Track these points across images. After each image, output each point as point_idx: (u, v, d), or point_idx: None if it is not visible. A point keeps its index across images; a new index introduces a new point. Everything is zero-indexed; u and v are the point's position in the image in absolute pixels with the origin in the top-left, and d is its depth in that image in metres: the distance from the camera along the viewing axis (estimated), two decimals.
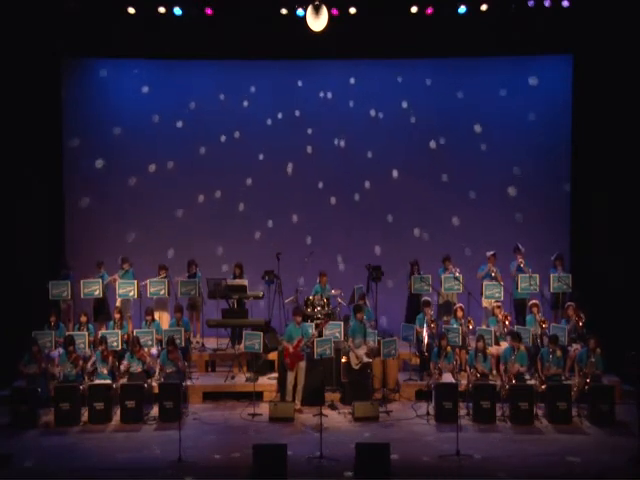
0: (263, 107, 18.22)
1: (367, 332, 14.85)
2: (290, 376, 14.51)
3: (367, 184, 18.27)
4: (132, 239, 18.04)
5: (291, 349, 14.49)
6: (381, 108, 18.20)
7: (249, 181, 18.25)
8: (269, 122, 18.23)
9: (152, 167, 18.16)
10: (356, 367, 14.63)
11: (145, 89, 18.20)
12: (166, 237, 17.99)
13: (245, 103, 18.18)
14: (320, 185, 18.30)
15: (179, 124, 18.14)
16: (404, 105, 18.17)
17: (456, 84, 18.03)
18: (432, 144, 18.18)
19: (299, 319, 14.69)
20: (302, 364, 14.53)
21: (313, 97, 18.25)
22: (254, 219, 18.25)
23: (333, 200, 18.31)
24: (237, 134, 18.22)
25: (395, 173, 18.24)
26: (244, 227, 18.23)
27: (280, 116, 18.25)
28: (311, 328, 14.95)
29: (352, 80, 18.22)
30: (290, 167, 18.29)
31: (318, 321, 15.52)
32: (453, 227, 18.07)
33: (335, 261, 18.06)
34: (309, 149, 18.29)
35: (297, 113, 18.26)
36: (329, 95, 18.26)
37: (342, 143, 18.21)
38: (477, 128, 18.07)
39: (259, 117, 18.22)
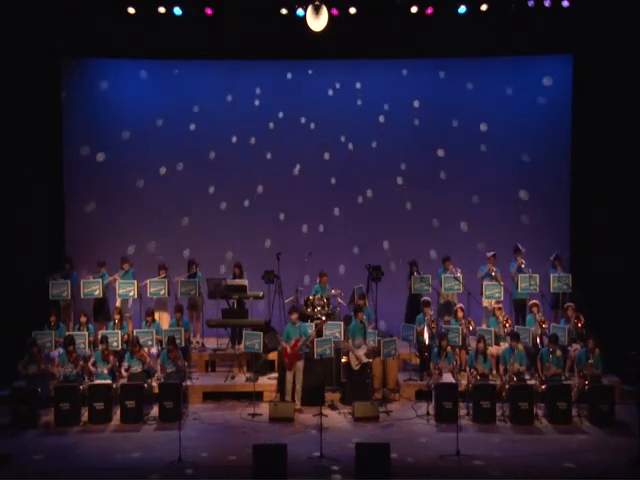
0: (264, 107, 18.22)
1: (367, 332, 14.84)
2: (289, 376, 14.51)
3: (367, 184, 18.28)
4: (132, 239, 18.03)
5: (289, 349, 14.49)
6: (381, 108, 18.20)
7: (249, 181, 18.25)
8: (270, 122, 18.22)
9: (152, 167, 18.16)
10: (356, 368, 14.63)
11: (145, 89, 18.20)
12: (166, 236, 18.00)
13: (246, 103, 18.19)
14: (319, 185, 18.29)
15: (179, 124, 18.13)
16: (404, 105, 18.16)
17: (456, 84, 18.03)
18: (432, 144, 18.18)
19: (294, 317, 14.68)
20: (300, 364, 14.53)
21: (313, 97, 18.24)
22: (255, 219, 18.24)
23: (334, 199, 18.31)
24: (238, 134, 18.23)
25: (396, 173, 18.23)
26: (244, 227, 18.22)
27: (281, 116, 18.25)
28: (310, 328, 14.93)
29: (352, 80, 18.21)
30: (289, 167, 18.28)
31: (318, 321, 15.52)
32: (453, 227, 18.05)
33: (335, 261, 18.06)
34: (309, 149, 18.28)
35: (298, 113, 18.25)
36: (329, 95, 18.25)
37: (344, 141, 18.20)
38: (477, 128, 18.05)
39: (260, 117, 18.22)
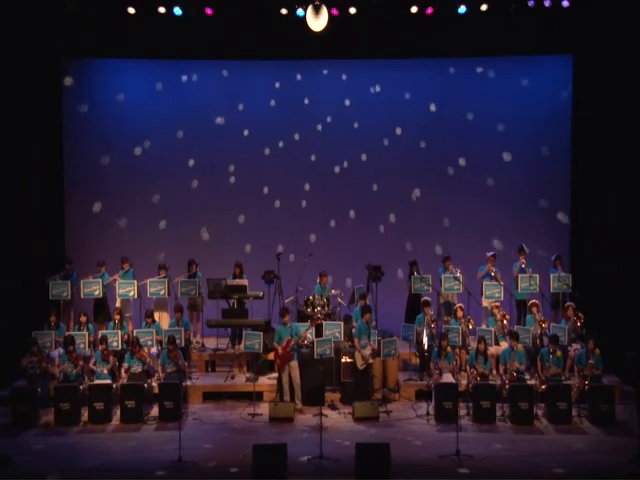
0: (263, 106, 18.22)
1: (371, 333, 14.85)
2: (284, 376, 14.52)
3: (368, 184, 18.30)
4: (132, 239, 18.02)
5: (280, 350, 14.49)
6: (380, 107, 18.18)
7: (249, 180, 18.26)
8: (268, 121, 18.22)
9: (152, 166, 18.15)
10: (361, 367, 14.62)
11: (145, 89, 18.20)
12: (166, 236, 18.00)
13: (246, 102, 18.20)
14: (321, 184, 18.33)
15: (179, 123, 18.13)
16: (404, 105, 18.16)
17: (456, 84, 18.03)
18: (431, 143, 18.18)
19: (286, 319, 14.69)
20: (293, 363, 14.53)
21: (313, 97, 18.24)
22: (255, 218, 18.25)
23: (332, 199, 18.32)
24: (236, 133, 18.22)
25: (394, 172, 18.22)
26: (244, 226, 18.24)
27: (282, 115, 18.23)
28: (302, 329, 14.87)
29: (352, 80, 18.20)
30: (290, 167, 18.28)
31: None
32: (453, 227, 18.04)
33: (335, 261, 18.05)
34: (309, 148, 18.27)
35: (298, 113, 18.25)
36: (329, 95, 18.24)
37: (341, 140, 18.21)
38: (477, 128, 18.05)
39: (259, 117, 18.21)
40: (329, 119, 18.21)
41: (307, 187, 18.30)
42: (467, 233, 17.82)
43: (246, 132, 18.20)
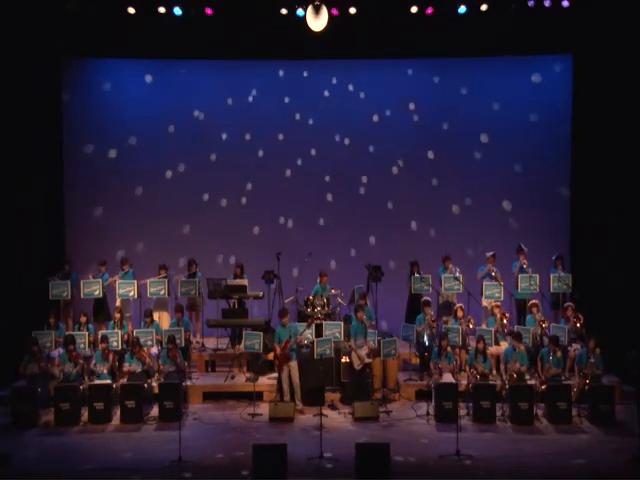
0: (263, 107, 18.22)
1: (367, 332, 14.84)
2: (283, 377, 14.51)
3: (368, 183, 18.29)
4: (132, 239, 18.04)
5: (279, 350, 14.50)
6: (380, 107, 18.19)
7: (248, 181, 18.26)
8: (268, 122, 18.21)
9: (151, 167, 18.15)
10: (358, 368, 14.62)
11: (145, 89, 18.20)
12: (166, 236, 17.99)
13: (246, 103, 18.20)
14: (322, 184, 18.31)
15: (179, 124, 18.13)
16: (403, 104, 18.16)
17: (455, 84, 18.04)
18: (432, 143, 18.18)
19: (285, 320, 14.69)
20: (292, 364, 14.53)
21: (313, 97, 18.25)
22: (254, 219, 18.25)
23: (333, 199, 18.33)
24: (238, 134, 18.22)
25: (395, 173, 18.23)
26: (244, 227, 18.24)
27: (280, 116, 18.23)
28: (301, 328, 14.87)
29: (352, 80, 18.21)
30: (290, 166, 18.29)
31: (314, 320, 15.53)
32: (453, 227, 18.04)
33: (335, 260, 18.06)
34: (309, 148, 18.29)
35: (296, 113, 18.26)
36: (329, 94, 18.25)
37: (341, 140, 18.19)
38: (477, 128, 18.05)
39: (259, 117, 18.21)
40: (324, 118, 18.17)
41: (308, 186, 18.32)
42: (468, 232, 17.83)
43: (248, 136, 18.17)
